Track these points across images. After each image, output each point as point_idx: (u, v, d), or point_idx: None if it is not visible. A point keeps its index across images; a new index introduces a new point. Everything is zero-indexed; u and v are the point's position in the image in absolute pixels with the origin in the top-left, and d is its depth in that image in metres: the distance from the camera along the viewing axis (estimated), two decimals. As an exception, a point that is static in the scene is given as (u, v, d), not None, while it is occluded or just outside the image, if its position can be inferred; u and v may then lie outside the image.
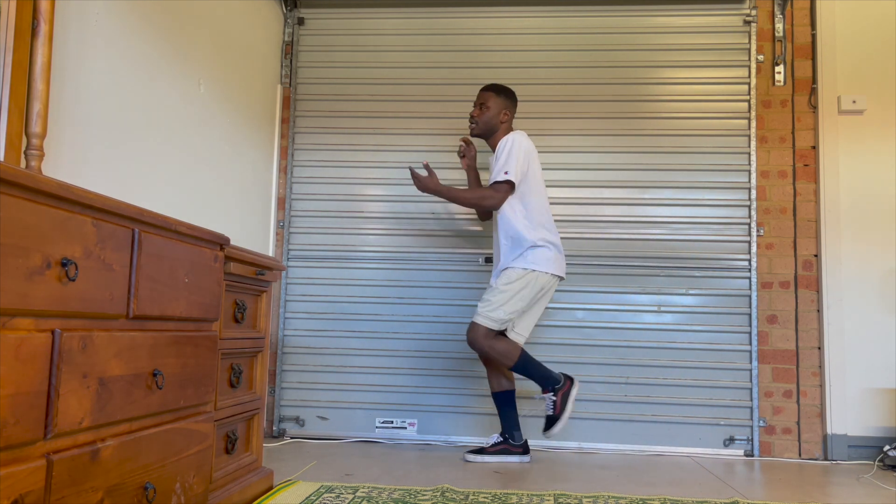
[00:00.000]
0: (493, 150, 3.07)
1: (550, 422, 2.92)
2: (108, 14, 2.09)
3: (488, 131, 3.06)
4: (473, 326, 2.90)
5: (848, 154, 3.38)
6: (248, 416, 2.17)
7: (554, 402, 2.91)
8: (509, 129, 3.07)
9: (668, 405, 3.32)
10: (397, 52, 3.65)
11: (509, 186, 2.91)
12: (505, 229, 2.98)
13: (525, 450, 2.98)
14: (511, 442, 2.96)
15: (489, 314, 2.88)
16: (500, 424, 3.02)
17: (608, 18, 3.57)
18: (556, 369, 3.39)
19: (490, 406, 3.40)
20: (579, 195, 3.49)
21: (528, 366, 2.93)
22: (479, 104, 3.07)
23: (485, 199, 2.94)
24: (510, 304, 2.88)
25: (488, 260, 3.47)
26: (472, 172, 3.19)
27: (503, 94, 3.08)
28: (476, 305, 2.92)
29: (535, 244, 2.91)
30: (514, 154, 2.90)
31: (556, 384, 2.93)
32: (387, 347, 3.48)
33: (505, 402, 3.02)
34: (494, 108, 3.04)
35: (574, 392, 2.94)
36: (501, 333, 2.94)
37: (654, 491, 2.46)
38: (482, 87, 3.11)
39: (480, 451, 2.97)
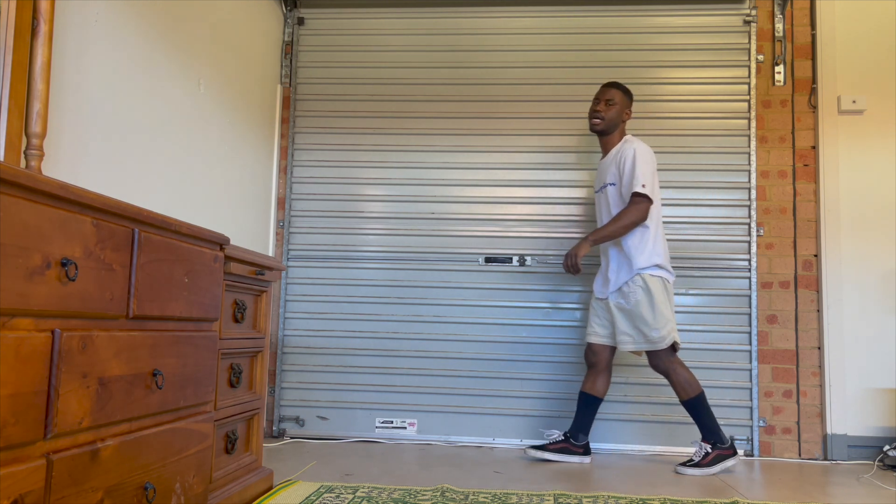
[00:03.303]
0: (604, 151, 3.06)
1: (691, 464, 2.82)
2: (108, 14, 2.09)
3: (611, 128, 3.01)
4: (651, 354, 2.90)
5: (848, 154, 3.38)
6: (248, 416, 2.17)
7: (707, 453, 2.82)
8: (624, 131, 3.06)
9: (668, 405, 3.32)
10: (397, 52, 3.65)
11: (648, 199, 2.85)
12: (615, 247, 2.95)
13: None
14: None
15: (650, 336, 2.86)
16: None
17: (608, 18, 3.57)
18: (557, 370, 3.41)
19: (489, 405, 3.40)
20: (580, 195, 3.49)
21: (701, 408, 2.86)
22: (606, 100, 3.00)
23: (634, 223, 2.85)
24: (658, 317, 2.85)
25: (488, 260, 3.47)
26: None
27: (628, 93, 3.05)
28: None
29: (643, 268, 2.88)
30: (642, 165, 2.85)
31: (720, 442, 2.84)
32: (387, 347, 3.48)
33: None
34: (620, 106, 3.00)
35: (731, 463, 2.83)
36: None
37: (654, 491, 2.46)
38: (605, 83, 3.07)
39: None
